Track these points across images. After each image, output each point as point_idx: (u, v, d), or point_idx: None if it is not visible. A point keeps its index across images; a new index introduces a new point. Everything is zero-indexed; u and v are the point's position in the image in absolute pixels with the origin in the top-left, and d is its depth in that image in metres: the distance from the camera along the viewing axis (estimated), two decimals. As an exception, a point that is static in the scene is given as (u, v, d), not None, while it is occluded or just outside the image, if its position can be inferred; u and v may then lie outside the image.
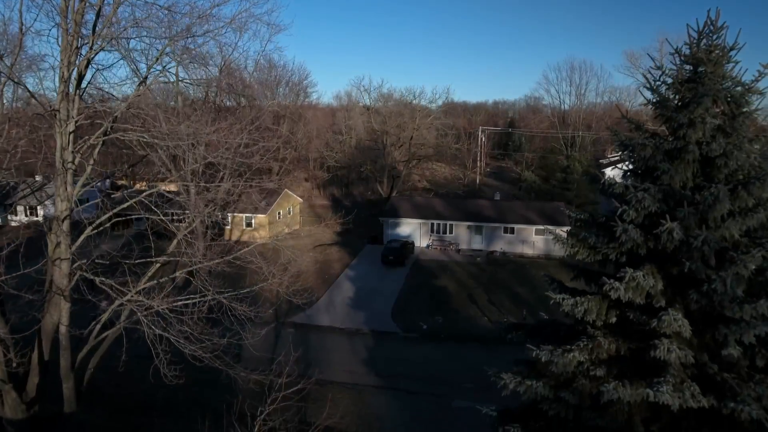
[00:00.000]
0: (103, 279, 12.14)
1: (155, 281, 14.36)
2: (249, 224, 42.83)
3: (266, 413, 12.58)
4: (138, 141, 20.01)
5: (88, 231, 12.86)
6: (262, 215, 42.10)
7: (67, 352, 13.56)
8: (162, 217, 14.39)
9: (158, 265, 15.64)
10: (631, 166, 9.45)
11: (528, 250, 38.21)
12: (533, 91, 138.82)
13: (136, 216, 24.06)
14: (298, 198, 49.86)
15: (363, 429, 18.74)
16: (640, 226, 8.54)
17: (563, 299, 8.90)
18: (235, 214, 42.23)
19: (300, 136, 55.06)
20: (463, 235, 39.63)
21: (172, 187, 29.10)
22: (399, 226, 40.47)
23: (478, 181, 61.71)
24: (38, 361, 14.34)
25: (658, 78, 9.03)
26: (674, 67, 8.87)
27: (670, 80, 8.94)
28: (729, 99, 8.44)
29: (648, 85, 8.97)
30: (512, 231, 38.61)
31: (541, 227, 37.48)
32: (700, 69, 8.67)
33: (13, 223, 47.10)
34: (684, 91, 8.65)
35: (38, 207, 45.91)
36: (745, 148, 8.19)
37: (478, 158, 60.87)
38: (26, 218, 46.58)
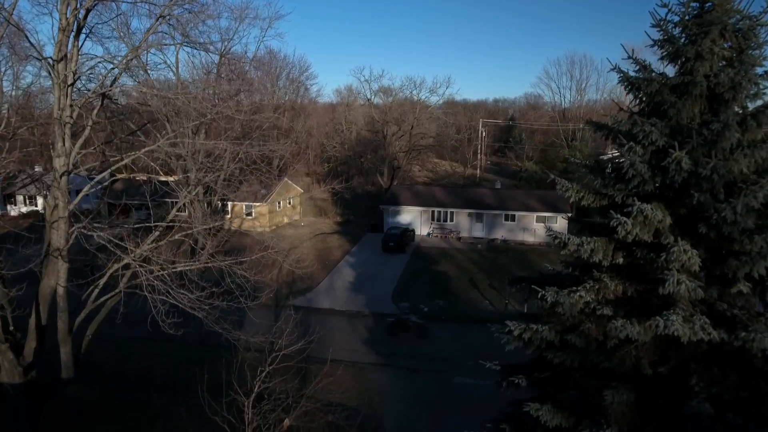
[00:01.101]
0: (102, 234, 11.96)
1: (156, 244, 14.16)
2: (249, 213, 42.66)
3: (266, 372, 12.43)
4: (138, 114, 19.87)
5: (86, 189, 12.71)
6: (262, 204, 41.92)
7: (65, 314, 13.38)
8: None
9: (158, 232, 15.41)
10: (636, 109, 9.31)
11: (529, 238, 38.04)
12: (534, 86, 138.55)
13: (137, 203, 24.00)
14: (299, 188, 49.69)
15: (364, 404, 18.55)
16: (648, 163, 8.39)
17: (569, 239, 8.73)
18: (235, 203, 42.11)
19: (300, 128, 54.89)
20: (463, 222, 39.46)
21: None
22: (399, 214, 40.31)
23: (478, 174, 61.58)
24: (35, 325, 14.15)
25: (664, 16, 8.88)
26: (681, 4, 8.73)
27: (677, 18, 8.79)
28: (737, 32, 8.29)
29: (654, 23, 8.82)
30: (513, 218, 38.45)
31: (542, 214, 37.34)
32: (707, 4, 8.53)
33: (12, 213, 46.97)
34: (691, 26, 8.50)
35: (38, 197, 45.79)
36: (754, 80, 8.04)
37: (479, 150, 60.72)
38: (26, 208, 46.45)
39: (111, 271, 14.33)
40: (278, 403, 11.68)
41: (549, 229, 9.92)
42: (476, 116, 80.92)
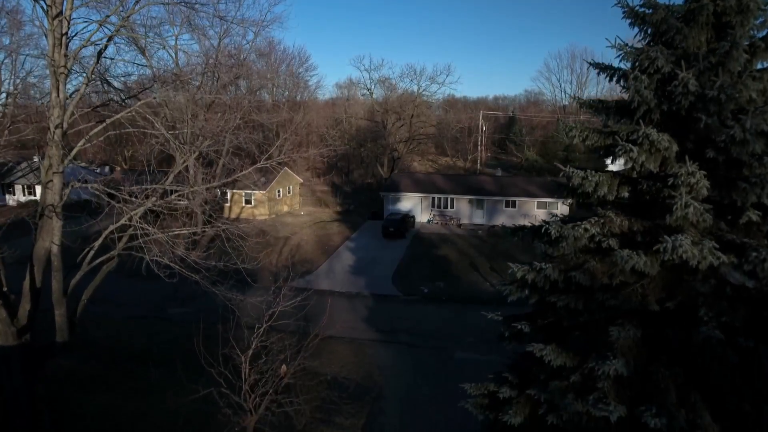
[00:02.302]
0: (97, 186, 11.76)
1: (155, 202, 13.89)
2: (248, 201, 42.46)
3: (264, 329, 12.21)
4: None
5: (82, 143, 12.51)
6: (261, 192, 41.72)
7: (59, 273, 13.15)
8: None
9: (155, 198, 15.16)
10: (640, 43, 9.09)
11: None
12: (534, 79, 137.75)
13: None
14: (298, 178, 49.49)
15: (364, 377, 18.32)
16: (653, 91, 8.18)
17: (573, 172, 8.52)
18: (234, 191, 41.92)
19: (300, 119, 54.70)
20: (464, 209, 39.25)
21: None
22: (399, 201, 40.10)
23: (478, 167, 61.36)
24: (30, 287, 13.94)
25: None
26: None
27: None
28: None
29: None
30: (514, 205, 38.24)
31: (544, 200, 37.12)
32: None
33: (11, 203, 46.77)
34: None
35: (36, 186, 45.59)
36: (761, 5, 7.83)
37: (479, 142, 60.52)
38: (24, 197, 46.25)
39: (107, 232, 14.14)
40: (276, 356, 11.47)
41: (553, 183, 9.71)
42: (476, 113, 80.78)
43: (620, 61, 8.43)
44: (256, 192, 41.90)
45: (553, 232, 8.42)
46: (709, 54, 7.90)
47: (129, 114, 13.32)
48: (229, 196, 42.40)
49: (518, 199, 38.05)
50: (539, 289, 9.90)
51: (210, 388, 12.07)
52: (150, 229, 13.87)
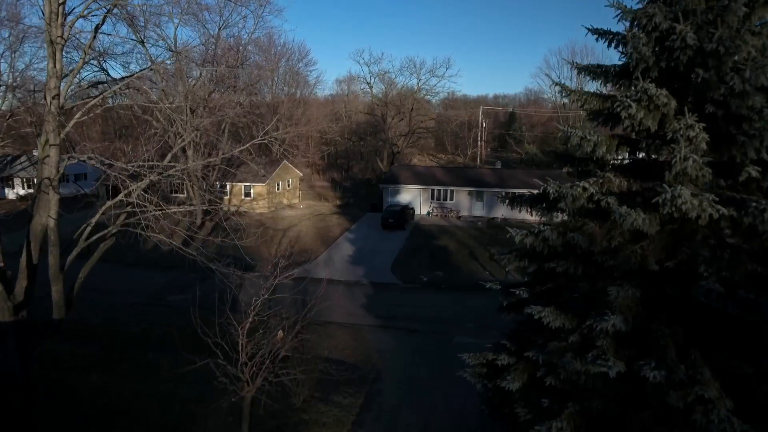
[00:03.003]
0: (93, 156, 11.70)
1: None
2: (248, 194, 42.39)
3: (260, 301, 12.14)
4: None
5: (79, 116, 12.45)
6: (261, 185, 41.65)
7: (56, 248, 13.09)
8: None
9: (152, 177, 15.05)
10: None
11: (530, 216, 37.65)
12: (534, 76, 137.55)
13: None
14: (298, 172, 49.43)
15: (363, 360, 18.25)
16: (651, 48, 8.11)
17: (571, 132, 8.47)
18: (234, 183, 41.87)
19: (299, 114, 54.66)
20: (463, 201, 39.18)
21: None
22: (399, 193, 40.02)
23: (478, 162, 61.25)
24: (26, 263, 13.87)
25: None
26: None
27: None
28: None
29: None
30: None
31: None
32: None
33: (10, 196, 46.73)
34: None
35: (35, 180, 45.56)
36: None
37: (479, 137, 60.43)
38: (23, 191, 46.20)
39: (105, 207, 14.08)
40: (274, 328, 11.40)
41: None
42: (476, 110, 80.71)
43: (618, 21, 8.39)
44: (256, 185, 41.83)
45: (551, 191, 8.37)
46: (708, 10, 7.85)
47: (126, 88, 13.27)
48: (228, 188, 42.36)
49: (518, 191, 37.87)
50: (538, 255, 9.86)
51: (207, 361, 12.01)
52: (149, 206, 13.82)
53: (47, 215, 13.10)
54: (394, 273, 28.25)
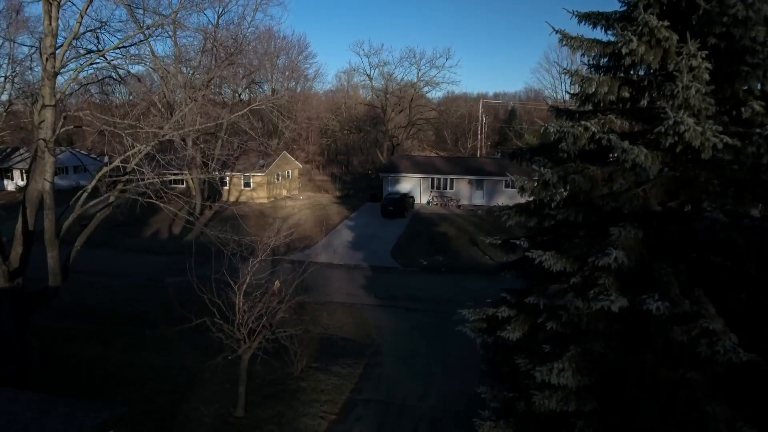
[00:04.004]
0: (90, 114, 11.58)
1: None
2: (247, 184, 42.27)
3: (256, 262, 12.02)
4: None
5: (74, 75, 12.34)
6: (261, 174, 41.53)
7: (52, 212, 12.96)
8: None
9: (148, 146, 14.88)
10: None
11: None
12: (534, 71, 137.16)
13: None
14: (298, 163, 49.32)
15: (362, 336, 18.09)
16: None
17: (575, 71, 8.34)
18: (234, 173, 41.71)
19: (299, 108, 54.54)
20: (464, 190, 39.05)
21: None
22: (399, 182, 39.90)
23: (478, 155, 61.13)
24: (22, 230, 13.75)
25: None
26: None
27: None
28: None
29: None
30: (514, 185, 37.94)
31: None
32: None
33: (9, 188, 46.64)
34: None
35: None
36: None
37: (479, 131, 60.33)
38: (23, 182, 46.09)
39: (102, 172, 13.97)
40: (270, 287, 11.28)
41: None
42: (476, 106, 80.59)
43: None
44: (255, 175, 41.72)
45: (552, 131, 8.23)
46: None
47: (122, 57, 13.16)
48: (227, 179, 42.23)
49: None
50: (538, 209, 9.74)
51: (207, 344, 11.82)
52: (147, 171, 13.70)
53: (43, 179, 12.98)
54: (394, 258, 28.12)
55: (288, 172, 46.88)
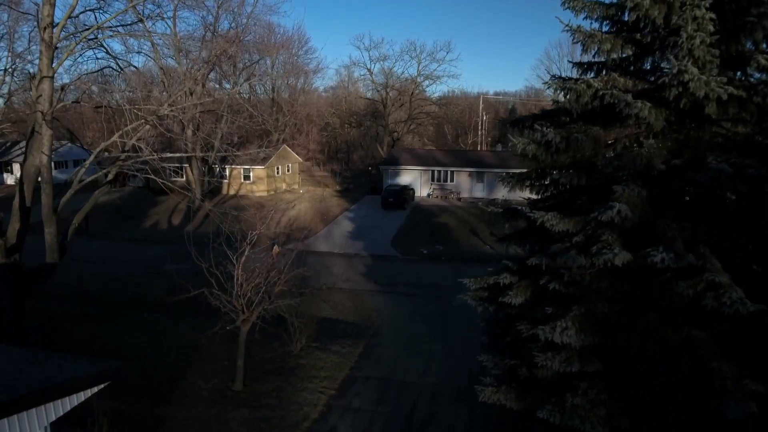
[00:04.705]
0: (88, 84, 11.47)
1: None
2: (247, 177, 42.17)
3: (257, 233, 11.89)
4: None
5: (72, 47, 12.23)
6: (260, 168, 41.43)
7: (49, 186, 12.86)
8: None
9: (147, 126, 14.76)
10: None
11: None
12: (534, 68, 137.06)
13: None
14: (298, 157, 49.21)
15: (362, 319, 17.96)
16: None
17: (577, 27, 8.24)
18: (233, 166, 41.63)
19: (301, 101, 54.47)
20: (464, 183, 38.92)
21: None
22: (399, 175, 39.78)
23: (479, 149, 61.03)
24: (19, 206, 13.64)
25: None
26: None
27: None
28: None
29: None
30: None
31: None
32: None
33: (9, 181, 46.56)
34: None
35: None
36: None
37: (479, 127, 60.27)
38: (22, 176, 46.02)
39: (100, 148, 13.87)
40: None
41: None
42: (476, 105, 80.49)
43: None
44: (255, 168, 41.61)
45: (555, 88, 8.12)
46: None
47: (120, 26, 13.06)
48: (227, 172, 42.14)
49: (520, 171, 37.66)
50: (541, 173, 9.66)
51: (205, 326, 11.66)
52: (145, 148, 13.60)
53: (40, 152, 12.87)
54: (394, 247, 27.99)
55: (288, 166, 46.77)
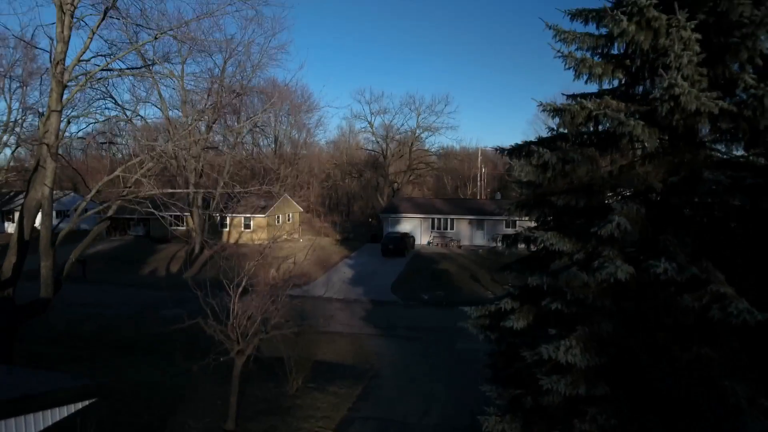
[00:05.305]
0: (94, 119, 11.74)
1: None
2: (247, 225, 42.29)
3: (256, 263, 11.75)
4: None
5: (83, 82, 12.65)
6: (261, 217, 41.65)
7: (49, 219, 12.89)
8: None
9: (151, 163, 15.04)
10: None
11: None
12: (530, 123, 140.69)
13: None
14: (299, 207, 49.58)
15: (361, 362, 17.43)
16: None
17: (569, 52, 8.54)
18: (234, 215, 41.85)
19: (303, 154, 55.62)
20: (464, 231, 38.97)
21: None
22: (399, 223, 39.91)
23: (479, 198, 61.63)
24: (17, 239, 13.64)
25: None
26: None
27: None
28: None
29: None
30: (515, 225, 37.94)
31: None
32: None
33: (10, 230, 46.64)
34: None
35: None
36: None
37: (479, 178, 61.17)
38: (23, 225, 46.14)
39: (102, 183, 14.02)
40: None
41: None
42: (475, 157, 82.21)
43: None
44: (256, 216, 41.83)
45: (549, 109, 8.32)
46: None
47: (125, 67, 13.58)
48: (228, 220, 42.32)
49: (519, 219, 37.81)
50: (539, 198, 9.69)
51: (201, 361, 11.37)
52: (145, 181, 13.76)
53: (43, 185, 12.98)
54: (394, 292, 27.62)
55: (289, 216, 47.04)
